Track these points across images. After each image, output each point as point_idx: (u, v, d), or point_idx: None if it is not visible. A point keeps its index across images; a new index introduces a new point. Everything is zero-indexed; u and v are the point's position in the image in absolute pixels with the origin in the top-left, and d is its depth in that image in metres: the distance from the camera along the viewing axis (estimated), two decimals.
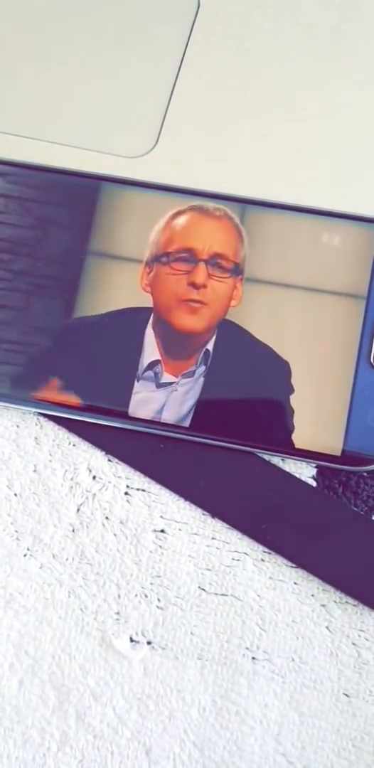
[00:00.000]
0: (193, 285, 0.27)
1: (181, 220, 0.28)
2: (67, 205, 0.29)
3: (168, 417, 0.26)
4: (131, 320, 0.27)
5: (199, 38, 0.32)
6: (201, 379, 0.27)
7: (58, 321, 0.28)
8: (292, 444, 0.26)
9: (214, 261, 0.27)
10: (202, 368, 0.27)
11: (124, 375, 0.27)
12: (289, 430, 0.26)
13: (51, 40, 0.32)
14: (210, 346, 0.27)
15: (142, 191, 0.29)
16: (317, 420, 0.26)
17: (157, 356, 0.27)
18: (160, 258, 0.28)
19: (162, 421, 0.26)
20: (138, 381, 0.27)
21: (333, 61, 0.31)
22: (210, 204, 0.28)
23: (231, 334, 0.27)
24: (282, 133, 0.30)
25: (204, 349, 0.27)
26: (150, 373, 0.27)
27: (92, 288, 0.28)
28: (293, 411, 0.26)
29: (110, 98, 0.31)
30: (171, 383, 0.27)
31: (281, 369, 0.26)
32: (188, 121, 0.30)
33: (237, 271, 0.27)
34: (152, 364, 0.27)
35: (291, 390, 0.26)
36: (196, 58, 0.31)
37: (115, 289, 0.28)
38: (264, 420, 0.26)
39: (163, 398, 0.27)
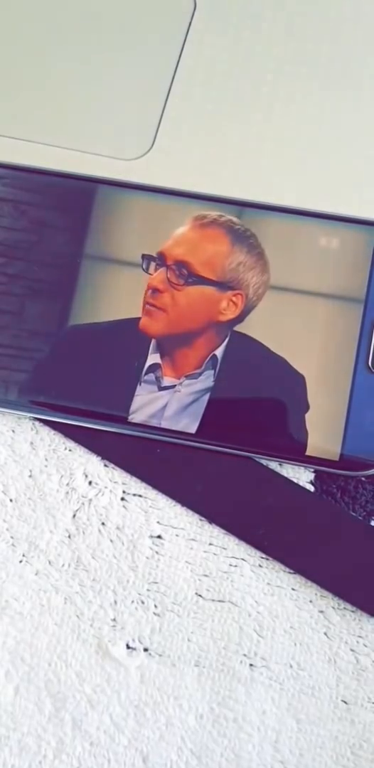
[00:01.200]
0: (149, 288, 0.27)
1: (174, 227, 0.28)
2: (63, 207, 0.29)
3: (169, 418, 0.26)
4: (131, 325, 0.27)
5: (195, 39, 0.32)
6: (207, 385, 0.26)
7: (54, 325, 0.27)
8: (290, 449, 0.26)
9: (176, 268, 0.27)
10: (210, 374, 0.26)
11: (124, 378, 0.27)
12: (299, 440, 0.26)
13: (47, 43, 0.32)
14: (218, 353, 0.27)
15: (138, 194, 0.29)
16: (315, 425, 0.26)
17: (157, 360, 0.27)
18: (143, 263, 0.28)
19: (162, 425, 0.26)
20: (140, 384, 0.27)
21: (331, 63, 0.31)
22: (214, 213, 0.28)
23: (242, 342, 0.27)
24: (279, 135, 0.30)
25: (211, 355, 0.27)
26: (151, 376, 0.27)
27: (88, 291, 0.28)
28: (305, 423, 0.26)
29: (106, 100, 0.31)
30: (173, 386, 0.26)
31: (295, 382, 0.26)
32: (184, 123, 0.30)
33: (216, 283, 0.27)
34: (152, 368, 0.27)
35: (305, 403, 0.26)
36: (192, 59, 0.31)
37: (115, 294, 0.28)
38: (263, 428, 0.26)
39: (165, 400, 0.26)
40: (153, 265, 0.27)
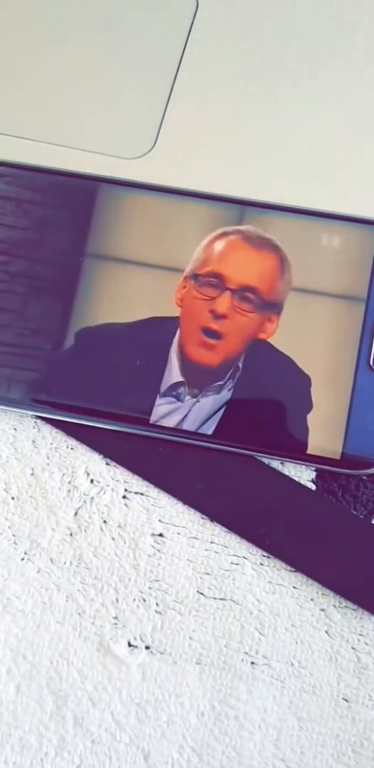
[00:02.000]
0: (213, 313, 0.26)
1: (221, 243, 0.27)
2: (65, 206, 0.29)
3: (188, 427, 0.26)
4: (154, 331, 0.26)
5: (198, 38, 0.32)
6: (226, 394, 0.26)
7: (57, 324, 0.27)
8: (292, 448, 0.26)
9: (243, 293, 0.26)
10: (230, 384, 0.26)
11: (144, 389, 0.26)
12: (301, 439, 0.26)
13: (49, 41, 0.32)
14: (240, 363, 0.26)
15: (140, 192, 0.29)
16: (317, 423, 0.26)
17: (180, 378, 0.26)
18: (193, 277, 0.27)
19: (178, 427, 0.26)
20: (160, 396, 0.26)
21: (333, 62, 0.31)
22: (258, 233, 0.27)
23: (254, 347, 0.26)
24: (281, 134, 0.30)
25: (234, 366, 0.26)
26: (173, 393, 0.26)
27: (90, 290, 0.28)
28: (307, 423, 0.26)
29: (108, 99, 0.31)
30: (194, 397, 0.26)
31: (300, 382, 0.26)
32: (186, 122, 0.30)
33: (271, 306, 0.26)
34: (175, 386, 0.26)
35: (309, 402, 0.26)
36: (195, 58, 0.31)
37: (118, 293, 0.28)
38: (276, 429, 0.26)
39: (185, 411, 0.26)
40: (209, 284, 0.26)
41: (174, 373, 0.26)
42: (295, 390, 0.26)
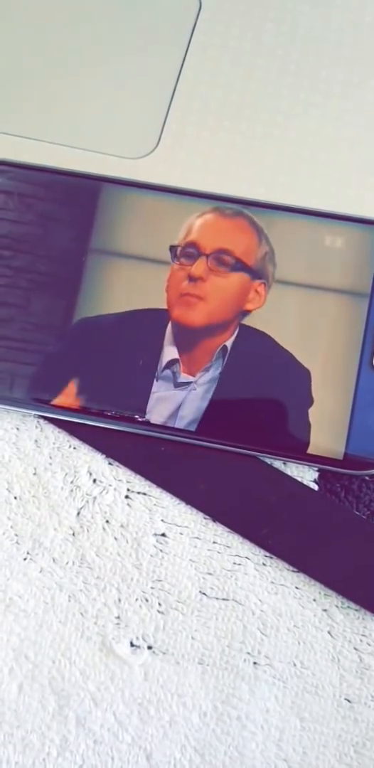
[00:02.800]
0: (190, 277, 0.27)
1: (198, 220, 0.28)
2: (70, 205, 0.29)
3: (184, 416, 0.26)
4: (148, 320, 0.27)
5: (201, 39, 0.32)
6: (217, 380, 0.26)
7: (60, 321, 0.27)
8: (294, 447, 0.26)
9: (218, 256, 0.27)
10: (219, 365, 0.26)
11: (141, 375, 0.27)
12: (302, 436, 0.26)
13: (53, 42, 0.32)
14: (228, 344, 0.27)
15: (143, 192, 0.29)
16: (319, 423, 0.26)
17: (176, 355, 0.27)
18: (173, 254, 0.28)
19: (176, 425, 0.26)
20: (157, 380, 0.27)
21: (335, 63, 0.31)
22: (232, 207, 0.28)
23: (251, 334, 0.27)
24: (284, 134, 0.30)
25: (221, 346, 0.27)
26: (168, 372, 0.27)
27: (93, 288, 0.28)
28: (308, 418, 0.26)
29: (112, 99, 0.31)
30: (189, 383, 0.26)
31: (300, 376, 0.26)
32: (190, 122, 0.30)
33: (250, 271, 0.27)
34: (170, 363, 0.27)
35: (309, 397, 0.26)
36: (198, 59, 0.31)
37: (120, 289, 0.28)
38: (278, 426, 0.26)
39: (181, 398, 0.26)
40: (186, 255, 0.27)
41: (168, 353, 0.27)
42: (295, 384, 0.26)
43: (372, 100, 0.30)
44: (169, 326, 0.27)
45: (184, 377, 0.27)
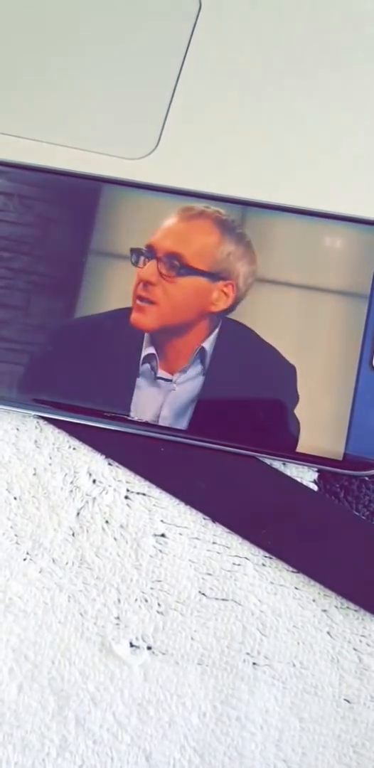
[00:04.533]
0: (140, 281, 0.27)
1: (162, 220, 0.28)
2: (69, 206, 0.29)
3: (166, 416, 0.26)
4: (124, 315, 0.27)
5: (200, 39, 0.32)
6: (200, 380, 0.26)
7: (57, 321, 0.28)
8: (294, 448, 0.26)
9: (167, 259, 0.27)
10: (198, 367, 0.26)
11: (124, 371, 0.27)
12: (291, 434, 0.26)
13: (52, 42, 0.32)
14: (206, 345, 0.27)
15: (142, 193, 0.29)
16: (319, 424, 0.26)
17: (152, 350, 0.27)
18: (132, 254, 0.28)
19: (160, 423, 0.26)
20: (139, 376, 0.27)
21: (335, 62, 0.31)
22: (200, 205, 0.28)
23: (233, 333, 0.27)
24: (284, 134, 0.30)
25: (198, 347, 0.27)
26: (147, 366, 0.27)
27: (93, 289, 0.28)
28: (295, 415, 0.26)
29: (111, 100, 0.31)
30: (168, 380, 0.26)
31: (285, 372, 0.26)
32: (189, 123, 0.30)
33: (209, 274, 0.27)
34: (148, 358, 0.27)
35: (295, 394, 0.26)
36: (198, 59, 0.31)
37: (120, 289, 0.28)
38: (265, 424, 0.26)
39: (162, 397, 0.26)
40: (142, 258, 0.27)
41: (145, 350, 0.27)
42: (280, 381, 0.26)
43: (370, 102, 0.30)
44: None
45: (161, 373, 0.27)
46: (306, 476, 0.26)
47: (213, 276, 0.27)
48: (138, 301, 0.27)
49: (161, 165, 0.30)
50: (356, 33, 0.31)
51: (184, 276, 0.27)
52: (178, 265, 0.27)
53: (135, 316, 0.27)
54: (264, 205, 0.28)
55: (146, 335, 0.27)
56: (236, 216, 0.28)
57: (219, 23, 0.32)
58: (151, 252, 0.27)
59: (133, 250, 0.28)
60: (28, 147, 0.30)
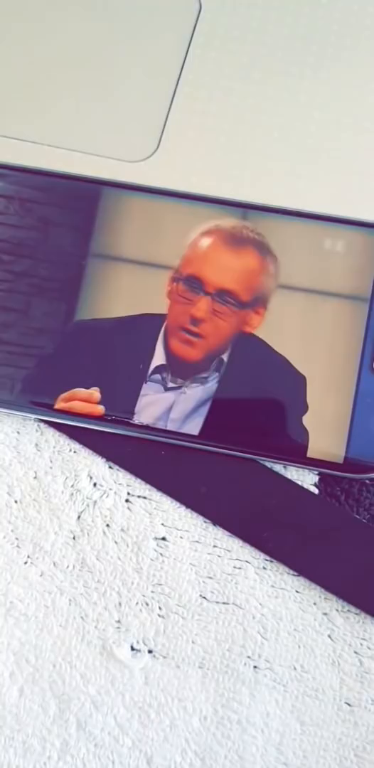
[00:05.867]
0: (192, 317, 0.27)
1: (204, 242, 0.27)
2: (69, 209, 0.29)
3: (175, 420, 0.26)
4: (144, 323, 0.27)
5: (201, 41, 0.32)
6: (212, 387, 0.26)
7: (60, 325, 0.28)
8: (294, 451, 0.26)
9: (222, 296, 0.27)
10: (215, 375, 0.26)
11: (131, 377, 0.27)
12: (299, 443, 0.26)
13: (53, 45, 0.32)
14: (225, 357, 0.27)
15: (143, 195, 0.29)
16: (319, 427, 0.26)
17: (163, 361, 0.27)
18: (176, 276, 0.27)
19: (168, 428, 0.26)
20: (146, 383, 0.27)
21: (337, 65, 0.31)
22: (239, 230, 0.27)
23: (245, 344, 0.27)
24: (285, 137, 0.30)
25: (218, 359, 0.27)
26: (157, 376, 0.27)
27: (93, 292, 0.28)
28: (304, 424, 0.26)
29: (112, 102, 0.31)
30: (178, 387, 0.26)
31: (296, 383, 0.26)
32: (189, 125, 0.30)
33: (253, 303, 0.27)
34: (158, 369, 0.27)
35: (304, 404, 0.26)
36: (198, 61, 0.31)
37: (120, 293, 0.28)
38: (275, 434, 0.26)
39: (171, 401, 0.26)
40: (189, 286, 0.27)
41: (157, 358, 0.27)
42: (290, 391, 0.26)
43: (373, 104, 0.30)
44: (161, 334, 0.27)
45: (172, 383, 0.27)
46: (306, 479, 0.26)
47: (256, 302, 0.27)
48: (185, 334, 0.27)
49: (161, 167, 0.30)
50: (358, 34, 0.31)
51: (237, 309, 0.27)
52: (232, 303, 0.27)
53: (182, 349, 0.27)
54: (265, 208, 0.28)
55: (159, 343, 0.27)
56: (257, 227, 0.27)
57: (220, 24, 0.32)
58: (199, 284, 0.27)
59: (178, 278, 0.27)
60: (29, 150, 0.30)
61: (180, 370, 0.27)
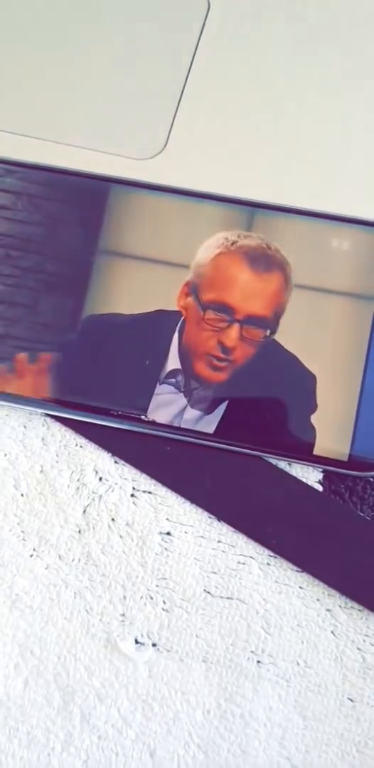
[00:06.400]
0: (222, 345, 0.27)
1: (226, 265, 0.27)
2: (78, 206, 0.29)
3: (188, 421, 0.26)
4: (157, 321, 0.27)
5: (209, 40, 0.32)
6: (226, 388, 0.26)
7: (67, 320, 0.28)
8: (302, 449, 0.26)
9: (251, 322, 0.27)
10: (231, 381, 0.27)
11: (145, 375, 0.27)
12: (307, 441, 0.26)
13: (62, 42, 0.32)
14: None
15: (150, 193, 0.29)
16: (324, 424, 0.26)
17: (178, 366, 0.27)
18: (197, 298, 0.27)
19: (182, 426, 0.26)
20: (160, 384, 0.27)
21: (344, 65, 0.31)
22: (262, 247, 0.27)
23: (262, 347, 0.27)
24: (291, 136, 0.30)
25: (234, 368, 0.27)
26: (172, 380, 0.27)
27: (101, 288, 0.28)
28: (312, 423, 0.26)
29: (120, 100, 0.31)
30: (194, 389, 0.26)
31: (307, 381, 0.26)
32: (197, 123, 0.30)
33: (278, 321, 0.27)
34: (174, 373, 0.27)
35: (314, 403, 0.26)
36: (206, 60, 0.31)
37: (128, 290, 0.28)
38: (277, 426, 0.26)
39: (184, 402, 0.26)
40: (217, 311, 0.27)
41: (172, 361, 0.27)
42: (300, 389, 0.26)
43: None
44: (176, 338, 0.27)
45: (187, 386, 0.26)
46: (311, 477, 0.27)
47: (278, 321, 0.27)
48: (215, 360, 0.27)
49: (169, 165, 0.30)
50: (368, 35, 0.31)
51: (265, 330, 0.27)
52: (264, 326, 0.27)
53: (210, 374, 0.26)
54: (272, 206, 0.28)
55: (173, 346, 0.27)
56: (242, 218, 0.28)
57: (228, 24, 0.32)
58: (228, 310, 0.27)
59: (203, 304, 0.27)
60: (37, 146, 0.30)
61: (194, 374, 0.27)
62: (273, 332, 0.27)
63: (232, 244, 0.27)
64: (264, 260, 0.27)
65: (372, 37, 0.31)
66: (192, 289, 0.27)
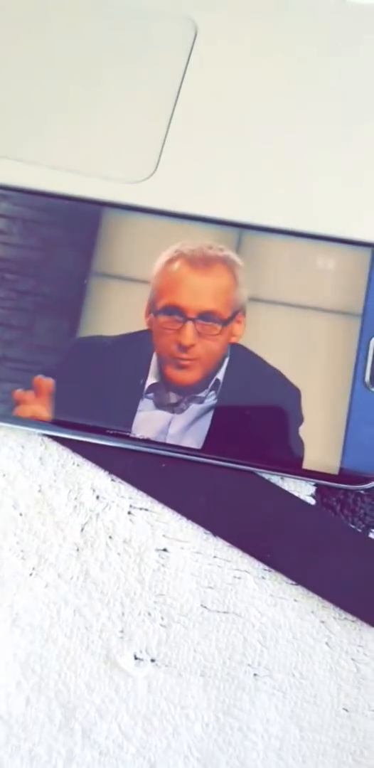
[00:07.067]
0: (180, 345, 0.28)
1: (171, 271, 0.28)
2: (71, 229, 0.29)
3: (174, 435, 0.27)
4: (138, 341, 0.28)
5: (197, 63, 0.32)
6: (209, 402, 0.27)
7: (63, 341, 0.28)
8: (291, 462, 0.27)
9: (205, 317, 0.28)
10: (212, 395, 0.27)
11: (128, 394, 0.27)
12: (296, 454, 0.27)
13: (52, 67, 0.33)
14: (220, 376, 0.27)
15: (142, 216, 0.29)
16: (315, 439, 0.27)
17: (157, 380, 0.27)
18: (153, 308, 0.28)
19: (168, 441, 0.27)
20: (142, 400, 0.27)
21: (330, 88, 0.32)
22: (201, 247, 0.28)
23: (239, 359, 0.28)
24: (280, 158, 0.31)
25: (213, 380, 0.27)
26: (151, 394, 0.27)
27: (95, 310, 0.28)
28: (300, 436, 0.27)
29: (111, 124, 0.32)
30: (176, 403, 0.27)
31: (291, 395, 0.27)
32: (187, 146, 0.31)
33: (234, 315, 0.28)
34: (153, 387, 0.27)
35: (300, 416, 0.27)
36: (195, 83, 0.32)
37: (121, 310, 0.28)
38: (271, 446, 0.27)
39: (169, 417, 0.27)
40: (169, 314, 0.28)
41: (152, 377, 0.28)
42: (285, 403, 0.27)
43: (366, 125, 0.31)
44: (154, 355, 0.28)
45: (168, 399, 0.27)
46: (303, 490, 0.27)
47: (236, 311, 0.28)
48: (179, 361, 0.28)
49: (160, 188, 0.30)
50: (354, 56, 0.32)
51: (222, 326, 0.28)
52: (215, 320, 0.28)
53: (179, 375, 0.27)
54: (260, 227, 0.29)
55: (153, 362, 0.28)
56: (230, 239, 0.28)
57: (216, 47, 0.33)
58: (179, 312, 0.28)
59: (156, 311, 0.28)
60: (31, 172, 0.31)
61: (175, 389, 0.28)
62: (226, 325, 0.28)
63: (175, 251, 0.28)
64: (204, 258, 0.28)
65: (360, 58, 0.32)
66: (150, 303, 0.28)
